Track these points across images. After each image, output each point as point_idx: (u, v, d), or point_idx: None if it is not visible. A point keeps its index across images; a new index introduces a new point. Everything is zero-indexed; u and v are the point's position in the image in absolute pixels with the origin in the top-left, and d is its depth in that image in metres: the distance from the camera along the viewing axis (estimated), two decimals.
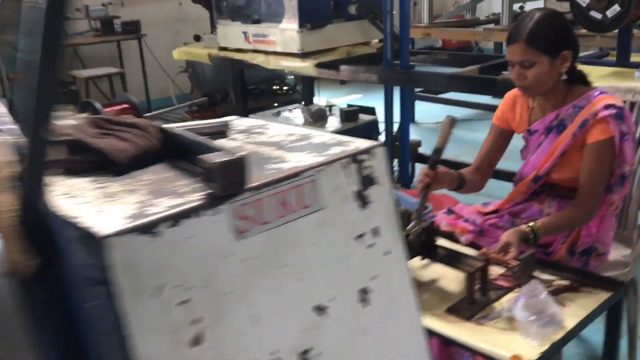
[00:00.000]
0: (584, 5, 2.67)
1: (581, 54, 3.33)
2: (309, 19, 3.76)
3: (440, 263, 1.75)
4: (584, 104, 1.84)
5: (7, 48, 4.13)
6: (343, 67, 3.70)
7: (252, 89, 6.72)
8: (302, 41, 3.76)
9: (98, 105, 2.62)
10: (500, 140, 2.09)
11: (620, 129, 1.78)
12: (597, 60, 2.99)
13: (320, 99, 6.72)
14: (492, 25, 5.01)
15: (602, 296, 1.68)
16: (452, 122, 1.77)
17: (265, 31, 3.97)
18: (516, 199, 2.01)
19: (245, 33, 4.10)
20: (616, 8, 2.56)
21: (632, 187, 2.10)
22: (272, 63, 3.96)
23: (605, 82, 2.61)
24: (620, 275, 1.96)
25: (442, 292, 1.76)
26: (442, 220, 2.15)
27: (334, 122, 4.10)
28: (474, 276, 1.67)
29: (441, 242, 2.05)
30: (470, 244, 2.02)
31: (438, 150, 1.78)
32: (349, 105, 4.99)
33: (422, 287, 1.80)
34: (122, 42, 6.61)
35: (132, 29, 6.31)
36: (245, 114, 4.52)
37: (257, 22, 4.01)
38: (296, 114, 4.29)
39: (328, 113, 4.25)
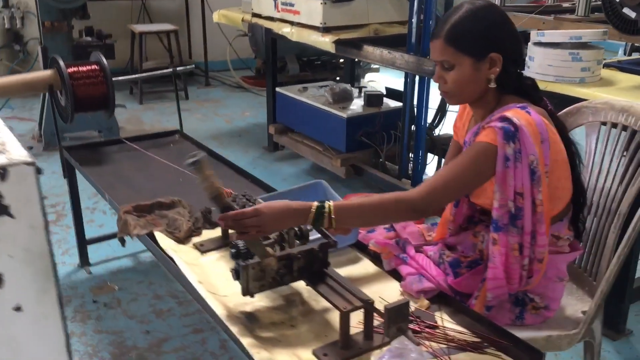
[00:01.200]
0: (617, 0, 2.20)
1: (625, 58, 2.82)
2: None
3: (319, 294, 1.48)
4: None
5: None
6: (365, 47, 3.39)
7: (313, 60, 6.49)
8: (325, 14, 3.47)
9: (62, 63, 2.53)
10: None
11: (504, 149, 1.40)
12: (636, 67, 2.50)
13: (366, 78, 6.39)
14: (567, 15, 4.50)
15: None
16: (199, 166, 1.42)
17: (292, 0, 3.71)
18: (448, 227, 1.68)
19: (275, 0, 3.86)
20: None
21: (604, 230, 1.71)
22: (296, 35, 3.71)
23: (622, 95, 2.16)
24: (565, 337, 1.59)
25: (323, 327, 1.50)
26: (380, 236, 1.86)
27: (356, 105, 3.80)
28: (348, 316, 1.39)
29: (364, 263, 1.79)
30: (393, 272, 1.73)
31: (216, 199, 1.45)
32: (387, 89, 4.66)
33: (306, 316, 1.54)
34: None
35: None
36: (273, 86, 4.31)
37: None
38: (323, 91, 4.02)
39: (356, 95, 3.96)
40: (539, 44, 2.35)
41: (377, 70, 6.67)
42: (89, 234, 3.00)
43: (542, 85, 2.35)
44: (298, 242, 1.55)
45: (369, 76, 6.67)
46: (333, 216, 1.42)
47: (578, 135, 1.83)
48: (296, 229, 1.54)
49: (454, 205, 1.59)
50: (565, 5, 5.31)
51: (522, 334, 1.52)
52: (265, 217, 1.40)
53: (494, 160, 1.41)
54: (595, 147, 1.78)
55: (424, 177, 3.59)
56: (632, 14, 2.17)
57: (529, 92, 1.54)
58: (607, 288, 1.58)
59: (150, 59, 6.40)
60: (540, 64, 2.33)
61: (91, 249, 2.94)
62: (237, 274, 1.48)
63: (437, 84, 1.60)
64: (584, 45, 2.29)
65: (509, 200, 1.43)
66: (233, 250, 1.50)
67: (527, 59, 2.42)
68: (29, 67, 5.98)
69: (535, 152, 1.41)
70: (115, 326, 2.43)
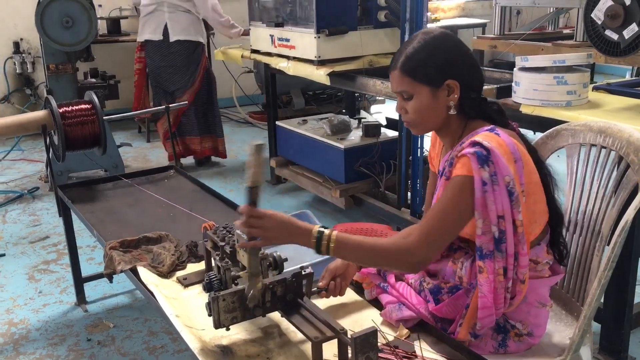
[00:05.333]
0: (599, 22, 2.20)
1: (615, 81, 2.80)
2: (330, 24, 3.50)
3: (293, 325, 1.46)
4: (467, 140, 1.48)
5: (48, 40, 4.27)
6: (359, 78, 3.42)
7: (318, 94, 6.55)
8: (319, 47, 3.50)
9: (53, 102, 2.58)
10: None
11: (480, 174, 1.38)
12: (629, 89, 2.46)
13: (371, 110, 6.44)
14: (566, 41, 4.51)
15: None
16: (260, 149, 1.38)
17: (287, 35, 3.76)
18: None
19: (272, 36, 3.92)
20: (634, 28, 2.08)
21: (589, 253, 1.68)
22: (293, 69, 3.75)
23: (608, 117, 2.14)
24: None
25: (299, 359, 1.47)
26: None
27: (355, 135, 3.81)
28: (320, 346, 1.37)
29: (346, 292, 1.77)
30: (375, 301, 1.71)
31: (253, 190, 1.41)
32: (388, 119, 4.67)
33: (283, 348, 1.52)
34: None
35: None
36: (274, 119, 4.34)
37: (280, 25, 3.81)
38: (322, 124, 4.04)
39: (355, 126, 3.97)
40: (524, 69, 2.35)
41: (382, 102, 6.72)
42: (89, 271, 3.01)
43: (528, 110, 2.36)
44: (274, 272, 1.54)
45: (374, 108, 6.72)
46: (332, 245, 1.41)
47: (560, 157, 1.81)
48: (270, 259, 1.53)
49: None
50: (566, 31, 5.34)
51: None
52: (271, 223, 1.41)
53: (473, 191, 1.39)
54: (577, 169, 1.76)
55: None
56: (615, 36, 2.16)
57: (494, 117, 1.53)
58: (591, 313, 1.54)
59: None
60: (526, 89, 2.33)
61: (89, 287, 2.95)
62: (210, 308, 1.47)
63: None
64: (569, 69, 2.28)
65: (492, 225, 1.41)
66: (205, 281, 1.50)
67: (513, 84, 2.42)
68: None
69: (510, 173, 1.39)
70: None
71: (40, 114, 2.56)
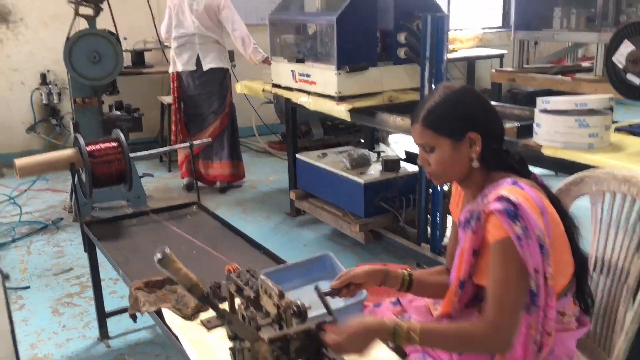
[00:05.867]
0: (621, 66, 2.22)
1: (637, 121, 2.80)
2: (350, 61, 3.55)
3: None
4: (490, 193, 1.49)
5: (76, 75, 4.38)
6: (379, 114, 3.45)
7: (337, 124, 6.61)
8: (340, 83, 3.55)
9: (82, 141, 2.64)
10: None
11: (514, 230, 1.38)
12: None
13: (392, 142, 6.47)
14: (584, 75, 4.51)
15: None
16: (164, 261, 1.34)
17: (308, 71, 3.82)
18: (453, 306, 1.65)
19: (293, 71, 3.98)
20: None
21: (615, 304, 1.67)
22: (313, 104, 3.80)
23: (631, 160, 2.14)
24: None
25: None
26: (387, 310, 1.85)
27: (374, 170, 3.83)
28: None
29: None
30: (398, 350, 1.71)
31: (193, 290, 1.38)
32: (407, 153, 4.69)
33: None
34: None
35: None
36: (294, 152, 4.39)
37: (300, 61, 3.88)
38: (341, 157, 4.08)
39: (374, 159, 4.00)
40: (545, 111, 2.37)
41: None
42: (111, 305, 3.04)
43: (550, 152, 2.37)
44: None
45: (392, 137, 6.74)
46: (416, 337, 1.42)
47: (584, 203, 1.81)
48: (294, 307, 1.54)
49: (460, 287, 1.58)
50: (585, 64, 5.35)
51: None
52: (351, 349, 1.45)
53: (517, 249, 1.39)
54: (601, 217, 1.76)
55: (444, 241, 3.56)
56: (636, 80, 2.17)
57: (516, 168, 1.54)
58: None
59: None
60: (548, 131, 2.34)
61: (112, 321, 2.98)
62: (234, 355, 1.48)
63: None
64: (591, 112, 2.29)
65: (531, 281, 1.41)
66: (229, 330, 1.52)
67: (534, 125, 2.44)
68: (64, 140, 6.24)
69: (539, 226, 1.39)
70: None
71: (68, 152, 2.62)
